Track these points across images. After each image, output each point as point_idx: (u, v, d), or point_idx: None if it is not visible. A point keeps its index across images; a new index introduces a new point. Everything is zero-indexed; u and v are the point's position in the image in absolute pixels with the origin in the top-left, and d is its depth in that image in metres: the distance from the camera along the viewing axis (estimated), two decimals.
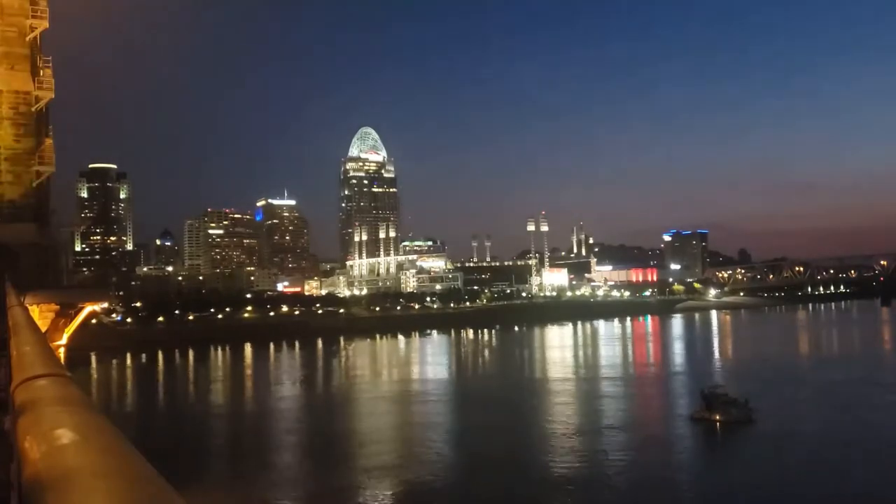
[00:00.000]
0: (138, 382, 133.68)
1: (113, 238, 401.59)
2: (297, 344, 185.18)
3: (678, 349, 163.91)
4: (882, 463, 57.17)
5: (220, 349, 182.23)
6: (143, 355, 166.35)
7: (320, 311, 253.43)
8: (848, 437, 65.63)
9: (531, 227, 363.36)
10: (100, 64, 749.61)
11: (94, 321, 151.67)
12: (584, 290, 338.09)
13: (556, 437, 71.09)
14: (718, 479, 56.14)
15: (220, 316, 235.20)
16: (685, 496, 52.69)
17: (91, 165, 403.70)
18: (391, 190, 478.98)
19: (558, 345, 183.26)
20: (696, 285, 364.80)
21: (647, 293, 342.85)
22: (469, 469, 59.64)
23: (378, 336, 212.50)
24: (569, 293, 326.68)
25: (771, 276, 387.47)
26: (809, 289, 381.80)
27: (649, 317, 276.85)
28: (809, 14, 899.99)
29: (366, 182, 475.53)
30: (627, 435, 70.92)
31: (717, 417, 72.55)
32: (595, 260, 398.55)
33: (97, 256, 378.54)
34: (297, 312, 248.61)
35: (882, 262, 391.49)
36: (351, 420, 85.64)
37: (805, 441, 64.85)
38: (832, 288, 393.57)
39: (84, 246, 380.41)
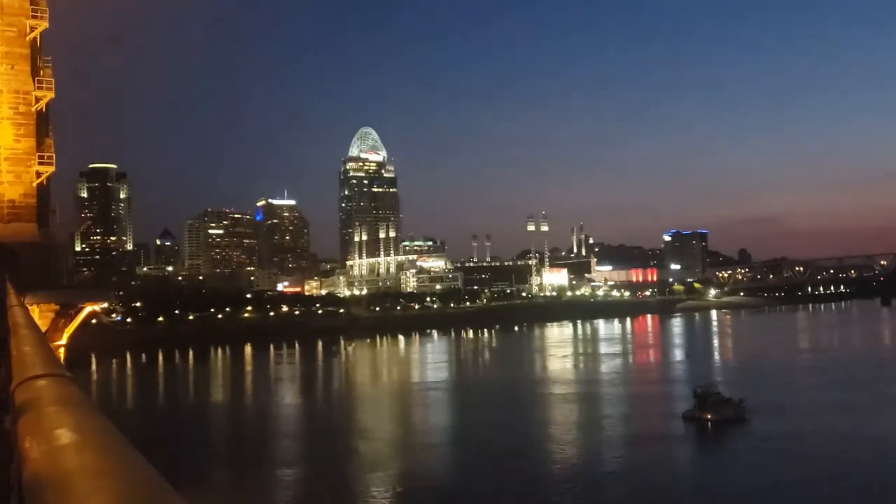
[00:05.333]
0: (138, 382, 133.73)
1: (113, 238, 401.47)
2: (297, 344, 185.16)
3: (677, 349, 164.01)
4: (877, 462, 57.22)
5: (220, 349, 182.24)
6: (143, 355, 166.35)
7: (320, 311, 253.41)
8: (843, 435, 65.72)
9: (531, 227, 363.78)
10: (100, 64, 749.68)
11: (94, 321, 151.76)
12: (584, 290, 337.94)
13: (551, 435, 71.46)
14: (705, 477, 56.43)
15: (220, 316, 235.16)
16: (669, 493, 52.79)
17: (91, 165, 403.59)
18: (391, 190, 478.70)
19: (558, 345, 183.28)
20: (696, 285, 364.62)
21: (647, 293, 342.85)
22: (468, 466, 59.82)
23: (378, 336, 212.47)
24: (569, 293, 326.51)
25: (771, 276, 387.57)
26: (809, 289, 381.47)
27: (649, 316, 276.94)
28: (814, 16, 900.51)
29: (366, 182, 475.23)
30: (619, 433, 71.46)
31: (710, 416, 72.72)
32: (595, 260, 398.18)
33: (97, 256, 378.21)
34: (297, 312, 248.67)
35: (882, 262, 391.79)
36: (351, 419, 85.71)
37: (798, 440, 64.97)
38: (832, 288, 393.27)
39: (84, 246, 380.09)
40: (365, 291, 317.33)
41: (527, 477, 56.09)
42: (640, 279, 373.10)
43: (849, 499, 50.11)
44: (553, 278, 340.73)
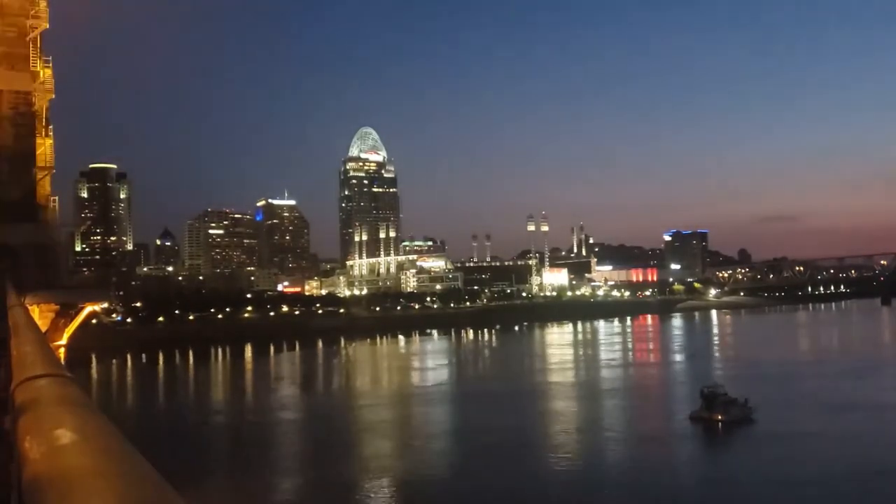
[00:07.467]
0: (138, 383, 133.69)
1: (113, 238, 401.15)
2: (297, 344, 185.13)
3: (678, 349, 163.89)
4: (882, 461, 57.12)
5: (220, 349, 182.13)
6: (143, 355, 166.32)
7: (320, 311, 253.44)
8: (848, 435, 65.61)
9: (531, 227, 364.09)
10: (100, 64, 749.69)
11: (94, 321, 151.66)
12: (585, 290, 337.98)
13: (555, 435, 71.18)
14: (717, 478, 56.15)
15: (220, 316, 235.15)
16: (683, 494, 52.63)
17: (91, 165, 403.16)
18: (391, 190, 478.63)
19: (558, 345, 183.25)
20: (697, 285, 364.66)
21: (648, 293, 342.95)
22: (470, 468, 59.64)
23: (378, 336, 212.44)
24: (569, 293, 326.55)
25: (771, 276, 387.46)
26: (809, 289, 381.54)
27: (649, 316, 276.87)
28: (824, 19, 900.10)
29: (366, 182, 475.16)
30: (626, 434, 70.97)
31: (717, 417, 72.55)
32: (595, 260, 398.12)
33: (97, 256, 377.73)
34: (297, 312, 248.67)
35: (882, 262, 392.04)
36: (351, 420, 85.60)
37: (805, 440, 64.79)
38: (832, 288, 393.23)
39: (84, 246, 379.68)
40: (365, 291, 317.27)
41: (531, 479, 55.90)
42: (640, 279, 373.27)
43: (857, 497, 50.02)
44: (553, 278, 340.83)
